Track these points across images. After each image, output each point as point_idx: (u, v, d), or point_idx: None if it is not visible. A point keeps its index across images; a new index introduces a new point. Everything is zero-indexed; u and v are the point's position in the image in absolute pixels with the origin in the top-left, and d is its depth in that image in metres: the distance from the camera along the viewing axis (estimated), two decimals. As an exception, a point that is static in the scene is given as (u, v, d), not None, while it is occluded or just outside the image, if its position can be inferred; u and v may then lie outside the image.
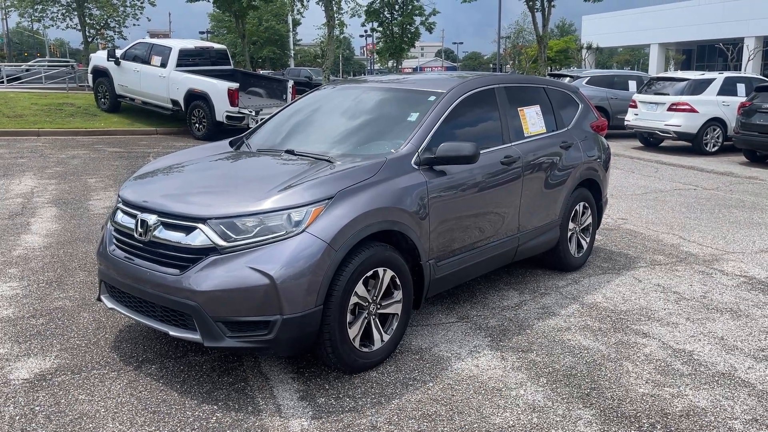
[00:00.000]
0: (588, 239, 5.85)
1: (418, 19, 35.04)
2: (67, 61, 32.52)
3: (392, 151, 4.06)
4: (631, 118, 15.45)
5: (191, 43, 16.30)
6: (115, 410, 3.29)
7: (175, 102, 15.32)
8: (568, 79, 17.26)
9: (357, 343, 3.66)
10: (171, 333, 3.44)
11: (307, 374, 3.72)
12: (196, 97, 14.78)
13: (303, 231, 3.37)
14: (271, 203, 3.42)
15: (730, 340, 4.30)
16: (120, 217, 3.83)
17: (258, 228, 3.36)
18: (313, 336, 3.44)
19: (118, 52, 16.54)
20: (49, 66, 29.51)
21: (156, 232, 3.53)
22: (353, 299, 3.58)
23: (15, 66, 32.49)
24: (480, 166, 4.40)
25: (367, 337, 3.76)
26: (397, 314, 3.91)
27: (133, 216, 3.69)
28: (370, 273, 3.66)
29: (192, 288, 3.31)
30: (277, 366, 3.82)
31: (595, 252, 6.33)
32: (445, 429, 3.18)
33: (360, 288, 3.61)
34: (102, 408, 3.31)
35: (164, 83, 15.36)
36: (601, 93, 17.01)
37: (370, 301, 3.71)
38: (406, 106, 4.53)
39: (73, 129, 15.52)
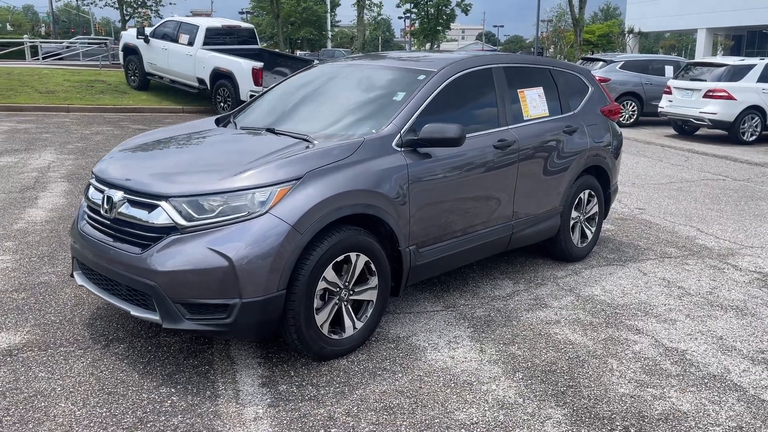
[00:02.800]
0: (593, 229, 5.61)
1: (453, 1, 34.48)
2: (103, 39, 32.91)
3: (373, 131, 3.90)
4: (665, 104, 14.90)
5: (218, 22, 16.26)
6: (71, 389, 3.23)
7: (201, 80, 15.34)
8: (601, 63, 16.74)
9: (325, 330, 3.54)
10: (132, 312, 3.37)
11: (274, 359, 3.62)
12: (221, 76, 14.76)
13: (266, 212, 3.25)
14: (234, 182, 3.30)
15: (729, 339, 4.05)
16: (91, 192, 3.77)
17: (221, 208, 3.25)
18: (276, 321, 3.33)
19: (148, 30, 16.61)
20: (88, 43, 29.94)
21: (121, 209, 3.45)
22: (321, 284, 3.45)
23: (57, 43, 33.06)
24: (469, 149, 4.22)
25: (338, 323, 3.64)
26: (372, 301, 3.77)
27: (102, 192, 3.62)
28: (341, 258, 3.52)
29: (151, 268, 3.22)
30: (246, 350, 3.72)
31: (603, 242, 6.08)
32: (404, 423, 3.04)
33: (329, 273, 3.48)
34: (59, 387, 3.26)
35: (191, 62, 15.39)
36: (634, 78, 16.44)
37: (342, 286, 3.58)
38: (395, 84, 4.35)
39: (101, 106, 15.69)
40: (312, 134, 3.97)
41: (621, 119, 16.27)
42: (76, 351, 3.64)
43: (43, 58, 25.95)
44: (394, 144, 3.85)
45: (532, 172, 4.78)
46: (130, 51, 17.23)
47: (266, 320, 3.28)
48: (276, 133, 4.08)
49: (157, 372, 3.44)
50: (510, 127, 4.63)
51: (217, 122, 4.65)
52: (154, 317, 3.29)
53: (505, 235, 4.67)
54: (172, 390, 3.27)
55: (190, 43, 15.50)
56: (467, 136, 4.21)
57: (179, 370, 3.48)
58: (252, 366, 3.54)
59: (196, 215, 3.25)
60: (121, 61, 18.10)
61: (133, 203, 3.42)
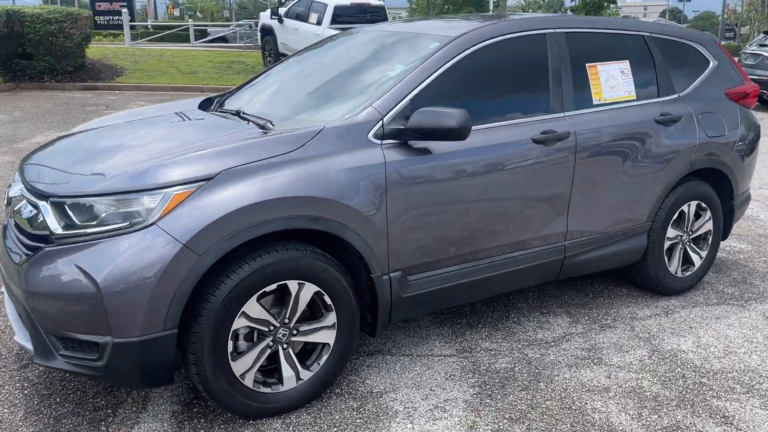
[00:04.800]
0: (704, 252, 4.17)
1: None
2: (248, 21, 34.08)
3: (347, 117, 2.92)
4: None
5: (347, 0, 15.74)
6: (-67, 426, 2.66)
7: (327, 60, 14.92)
8: (788, 37, 13.95)
9: (249, 381, 2.66)
10: (15, 337, 2.73)
11: (195, 409, 2.82)
12: (345, 56, 14.22)
13: (152, 224, 2.42)
14: (125, 181, 2.51)
15: None
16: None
17: (104, 214, 2.47)
18: (168, 367, 2.51)
19: (282, 10, 16.52)
20: (249, 27, 31.11)
21: (17, 207, 2.81)
22: (240, 322, 2.58)
23: (224, 26, 34.90)
24: (490, 143, 3.11)
25: (277, 371, 2.75)
26: (329, 344, 2.84)
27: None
28: (273, 287, 2.63)
29: (22, 286, 2.54)
30: (171, 390, 2.95)
31: (724, 269, 4.57)
32: None
33: (253, 307, 2.60)
34: (-76, 420, 2.70)
35: (318, 41, 15.02)
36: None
37: (277, 325, 2.68)
38: (402, 56, 3.33)
39: (234, 86, 15.81)
40: (280, 118, 3.10)
41: (811, 106, 13.47)
42: (-14, 371, 3.09)
43: (211, 41, 27.24)
44: (371, 135, 2.86)
45: (600, 175, 3.52)
46: (267, 32, 17.29)
47: (151, 366, 2.48)
48: (241, 117, 3.24)
49: (49, 411, 2.78)
50: (567, 114, 3.41)
51: (208, 102, 3.89)
52: (30, 347, 2.61)
53: (552, 260, 3.48)
54: (43, 442, 2.58)
55: (319, 22, 15.13)
56: (490, 126, 3.15)
57: (75, 412, 2.79)
58: (161, 416, 2.76)
59: (78, 222, 2.50)
60: (259, 41, 18.27)
61: (29, 202, 2.77)
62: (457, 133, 2.80)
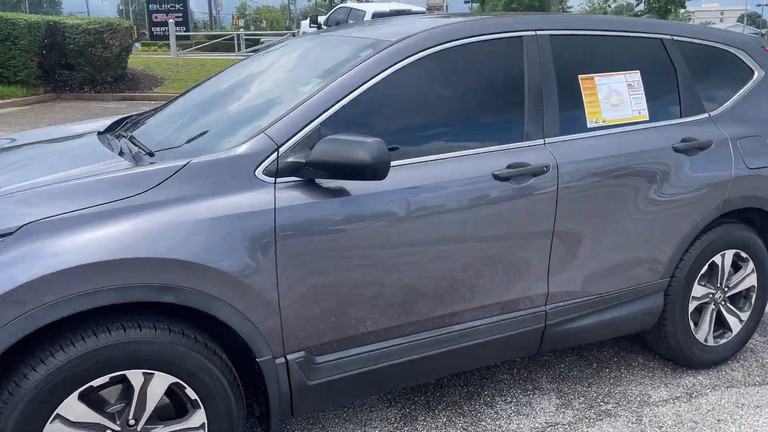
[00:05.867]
0: (744, 315, 3.25)
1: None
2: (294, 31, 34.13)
3: (233, 146, 2.22)
4: None
5: (386, 6, 15.17)
6: None
7: (364, 69, 14.38)
8: None
9: (74, 503, 1.98)
10: None
11: None
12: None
13: None
14: None
15: None
16: None
17: None
18: (-52, 492, 1.87)
19: (321, 18, 16.10)
20: (293, 35, 31.04)
21: None
22: (55, 428, 1.90)
23: (277, 35, 35.05)
24: (436, 182, 2.35)
25: (123, 486, 2.07)
26: (198, 450, 2.13)
27: None
28: (105, 379, 1.94)
29: None
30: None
31: (776, 332, 3.63)
32: None
33: (74, 408, 1.92)
34: None
35: (356, 49, 14.50)
36: None
37: (116, 429, 2.00)
38: (330, 65, 2.60)
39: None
40: (168, 146, 2.44)
41: None
42: None
43: (246, 48, 27.15)
44: (260, 171, 2.15)
45: (592, 220, 2.69)
46: (307, 40, 16.92)
47: None
48: (134, 144, 2.59)
49: None
50: (548, 141, 2.61)
51: (120, 122, 3.25)
52: None
53: (527, 330, 2.66)
54: None
55: (357, 30, 14.60)
56: (437, 158, 2.40)
57: None
58: None
59: None
60: (300, 50, 17.96)
61: None
62: (371, 170, 2.06)
